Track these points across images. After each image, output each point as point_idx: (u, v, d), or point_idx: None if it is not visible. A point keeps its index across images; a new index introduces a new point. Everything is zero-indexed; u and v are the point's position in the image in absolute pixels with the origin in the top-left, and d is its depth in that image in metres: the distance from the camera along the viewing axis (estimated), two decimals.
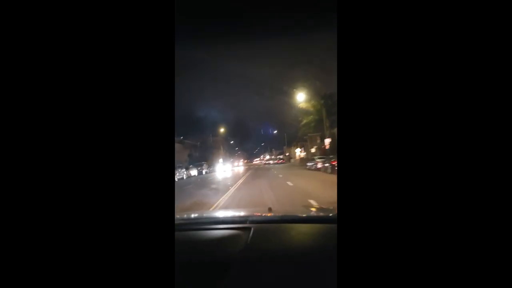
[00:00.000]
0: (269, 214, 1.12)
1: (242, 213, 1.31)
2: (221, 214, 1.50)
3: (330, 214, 1.02)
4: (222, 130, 37.04)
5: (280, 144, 53.45)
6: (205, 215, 1.44)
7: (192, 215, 1.43)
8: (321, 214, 1.22)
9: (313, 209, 1.57)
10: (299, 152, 33.94)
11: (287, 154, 46.25)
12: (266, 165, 33.37)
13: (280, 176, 11.86)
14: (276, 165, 32.55)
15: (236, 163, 40.98)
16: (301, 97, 17.50)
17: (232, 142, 52.13)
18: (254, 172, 17.42)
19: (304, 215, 1.15)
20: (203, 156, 27.37)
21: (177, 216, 1.10)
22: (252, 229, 0.86)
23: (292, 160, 39.78)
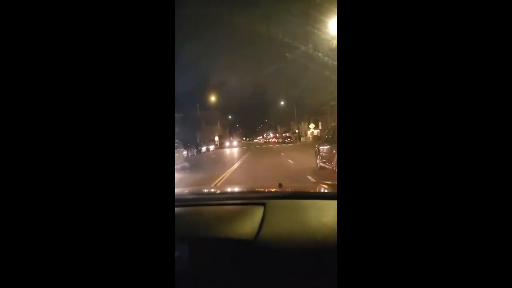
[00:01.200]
0: (279, 190, 1.10)
1: (254, 189, 1.27)
2: (232, 189, 1.42)
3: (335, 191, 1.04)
4: (213, 99, 29.10)
5: (287, 120, 46.20)
6: (217, 191, 1.38)
7: (204, 190, 1.37)
8: (333, 191, 1.12)
9: (324, 186, 1.27)
10: (312, 129, 26.37)
11: (295, 131, 38.95)
12: (271, 146, 25.46)
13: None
14: (283, 145, 25.24)
15: (228, 143, 33.16)
16: (335, 28, 9.94)
17: (230, 117, 45.26)
18: (250, 158, 10.58)
19: (316, 191, 1.15)
20: (187, 134, 20.08)
21: (188, 191, 1.18)
22: (266, 204, 0.84)
23: (302, 139, 32.75)
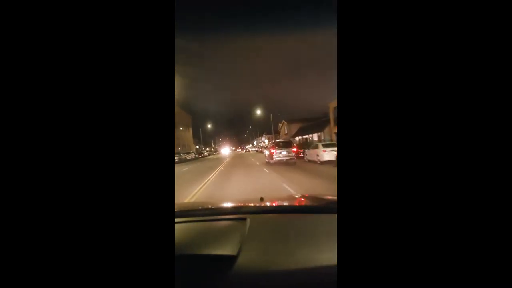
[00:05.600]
0: (262, 204, 1.17)
1: (235, 204, 1.34)
2: (214, 205, 1.41)
3: (317, 204, 1.15)
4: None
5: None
6: (199, 207, 1.39)
7: (186, 206, 1.48)
8: (313, 204, 1.25)
9: (303, 199, 1.44)
10: None
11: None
12: None
13: None
14: None
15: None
16: None
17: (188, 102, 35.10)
18: None
19: (296, 205, 1.25)
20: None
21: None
22: (248, 220, 0.88)
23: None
